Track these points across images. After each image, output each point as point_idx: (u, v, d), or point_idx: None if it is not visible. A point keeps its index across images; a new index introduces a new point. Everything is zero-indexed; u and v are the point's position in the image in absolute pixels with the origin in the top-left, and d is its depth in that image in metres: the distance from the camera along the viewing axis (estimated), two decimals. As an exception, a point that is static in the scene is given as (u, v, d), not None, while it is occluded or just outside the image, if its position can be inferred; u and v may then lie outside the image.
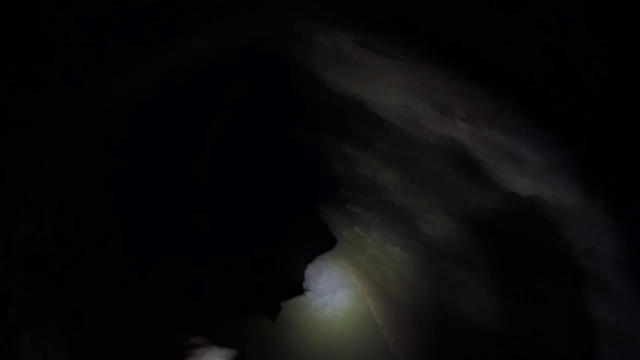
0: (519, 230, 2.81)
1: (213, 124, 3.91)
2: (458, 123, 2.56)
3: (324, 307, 5.46)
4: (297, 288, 5.40)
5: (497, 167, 2.56)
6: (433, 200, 3.48)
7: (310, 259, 5.42)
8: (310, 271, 5.49)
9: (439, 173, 3.15)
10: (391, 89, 2.81)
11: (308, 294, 5.46)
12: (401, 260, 4.52)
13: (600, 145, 1.93)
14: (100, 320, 2.95)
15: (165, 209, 4.16)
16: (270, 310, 5.20)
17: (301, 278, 5.43)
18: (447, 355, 3.93)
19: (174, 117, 3.53)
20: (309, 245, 5.15)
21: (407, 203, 3.85)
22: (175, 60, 2.85)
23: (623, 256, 2.14)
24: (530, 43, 1.90)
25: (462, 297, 3.76)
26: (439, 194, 3.36)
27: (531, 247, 2.77)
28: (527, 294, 2.96)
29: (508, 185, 2.59)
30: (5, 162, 2.07)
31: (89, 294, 2.91)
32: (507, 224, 2.86)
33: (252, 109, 3.84)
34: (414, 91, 2.68)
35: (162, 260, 4.11)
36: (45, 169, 2.42)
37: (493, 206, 2.87)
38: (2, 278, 2.16)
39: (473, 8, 1.90)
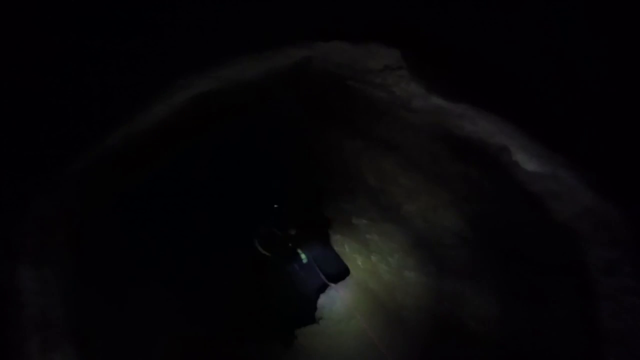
0: (521, 227, 2.80)
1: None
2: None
3: (340, 334, 5.20)
4: (310, 318, 5.25)
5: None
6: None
7: (322, 289, 5.25)
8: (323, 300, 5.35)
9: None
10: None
11: (322, 321, 5.28)
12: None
13: (600, 145, 1.93)
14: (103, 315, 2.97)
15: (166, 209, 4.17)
16: (283, 336, 5.06)
17: (314, 308, 5.28)
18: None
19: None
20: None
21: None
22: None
23: (626, 256, 2.14)
24: (531, 43, 1.91)
25: (465, 302, 3.75)
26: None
27: (533, 246, 2.77)
28: (528, 294, 2.96)
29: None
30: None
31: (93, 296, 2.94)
32: (510, 220, 2.85)
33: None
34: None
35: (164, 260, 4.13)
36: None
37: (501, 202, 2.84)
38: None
39: (473, 8, 1.91)
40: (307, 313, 5.22)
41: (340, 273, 5.12)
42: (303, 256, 4.80)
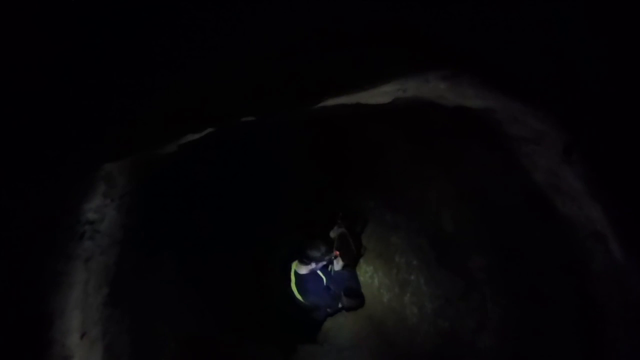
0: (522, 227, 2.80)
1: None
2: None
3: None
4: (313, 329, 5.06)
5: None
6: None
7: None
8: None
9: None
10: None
11: (326, 345, 5.04)
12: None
13: (600, 146, 1.93)
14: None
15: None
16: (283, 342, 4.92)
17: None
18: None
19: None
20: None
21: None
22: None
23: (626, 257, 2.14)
24: (531, 43, 1.91)
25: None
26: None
27: (533, 246, 2.77)
28: (528, 294, 2.96)
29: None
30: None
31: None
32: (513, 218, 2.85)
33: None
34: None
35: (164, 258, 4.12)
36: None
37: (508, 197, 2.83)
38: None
39: (474, 9, 1.91)
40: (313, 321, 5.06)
41: (358, 303, 4.94)
42: (338, 266, 4.58)
